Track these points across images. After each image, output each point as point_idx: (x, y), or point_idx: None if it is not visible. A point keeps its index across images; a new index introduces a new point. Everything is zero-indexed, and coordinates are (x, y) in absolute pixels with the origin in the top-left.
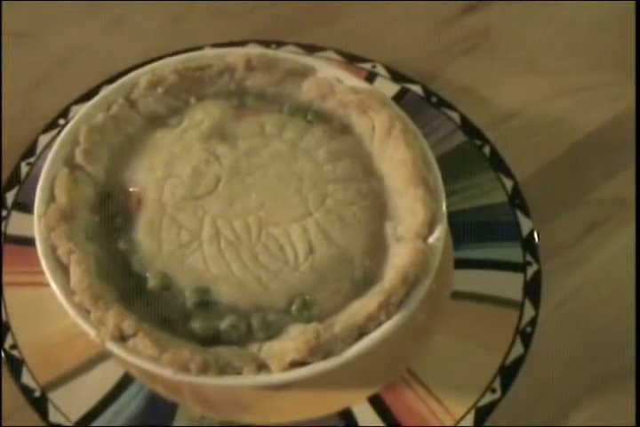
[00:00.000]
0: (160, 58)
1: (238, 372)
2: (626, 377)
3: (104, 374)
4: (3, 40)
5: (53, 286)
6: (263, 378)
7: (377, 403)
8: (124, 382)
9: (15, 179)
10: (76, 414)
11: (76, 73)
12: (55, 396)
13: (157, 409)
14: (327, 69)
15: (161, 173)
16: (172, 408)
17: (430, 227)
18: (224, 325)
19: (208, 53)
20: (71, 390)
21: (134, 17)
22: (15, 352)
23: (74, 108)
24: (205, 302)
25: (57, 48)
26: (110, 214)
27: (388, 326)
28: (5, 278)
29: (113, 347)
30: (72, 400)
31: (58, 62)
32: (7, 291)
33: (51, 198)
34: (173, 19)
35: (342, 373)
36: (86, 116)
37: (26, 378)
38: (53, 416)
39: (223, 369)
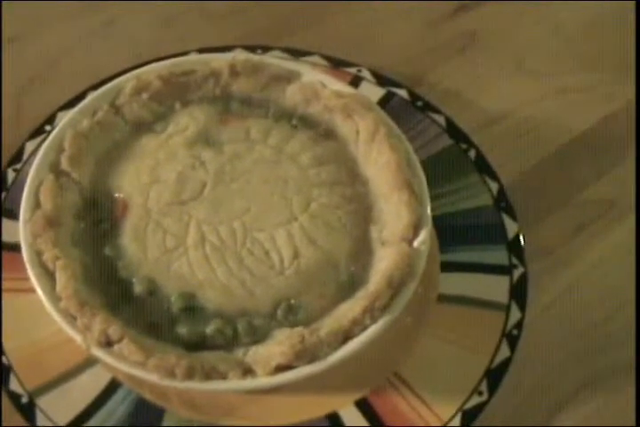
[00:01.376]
0: (147, 63)
1: (224, 376)
2: (614, 377)
3: (92, 380)
4: None
5: (39, 292)
6: (249, 383)
7: (364, 406)
8: (112, 387)
9: (1, 185)
10: (63, 419)
11: (66, 76)
12: (43, 402)
13: (145, 414)
14: (312, 74)
15: (146, 179)
16: (159, 413)
17: (415, 230)
18: (210, 330)
19: (193, 59)
20: (59, 395)
21: (124, 20)
22: (3, 358)
23: (60, 115)
24: (191, 308)
25: (46, 51)
26: (96, 220)
27: (373, 329)
28: None
29: (99, 353)
30: (60, 406)
31: (47, 66)
32: None
33: (36, 205)
34: (163, 21)
35: (329, 376)
36: (71, 122)
37: (13, 384)
38: (41, 422)
39: (209, 374)
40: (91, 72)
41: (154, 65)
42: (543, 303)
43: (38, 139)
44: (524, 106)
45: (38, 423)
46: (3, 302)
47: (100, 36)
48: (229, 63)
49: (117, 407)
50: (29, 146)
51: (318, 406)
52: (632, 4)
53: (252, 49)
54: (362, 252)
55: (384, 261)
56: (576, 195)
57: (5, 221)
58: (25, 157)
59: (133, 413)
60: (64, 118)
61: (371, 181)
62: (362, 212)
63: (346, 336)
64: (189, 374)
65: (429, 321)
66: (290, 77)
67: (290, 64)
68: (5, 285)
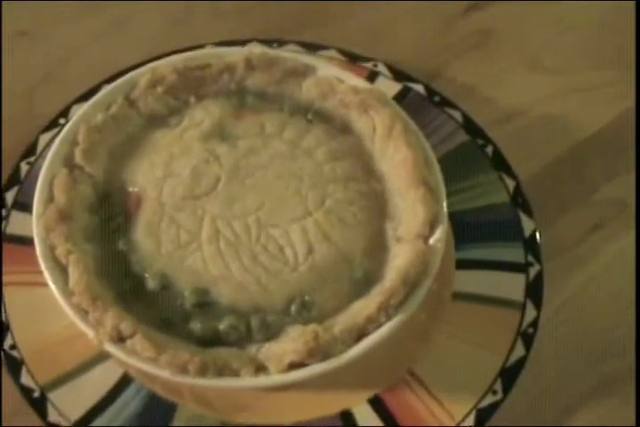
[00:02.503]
0: (161, 57)
1: (236, 373)
2: (629, 380)
3: (103, 375)
4: (4, 39)
5: (52, 286)
6: (261, 380)
7: (377, 404)
8: (124, 382)
9: (15, 178)
10: (75, 414)
11: (78, 72)
12: (54, 396)
13: (157, 409)
14: (328, 69)
15: (160, 173)
16: (171, 408)
17: (431, 228)
18: (223, 326)
19: (208, 52)
20: (70, 390)
21: (136, 17)
22: (14, 352)
23: (74, 108)
24: (204, 303)
25: (59, 47)
26: (109, 215)
27: (387, 327)
28: (5, 278)
29: (111, 348)
30: (71, 400)
31: (59, 61)
32: (7, 291)
33: (49, 199)
34: (176, 18)
35: (342, 374)
36: (85, 116)
37: (25, 378)
38: (53, 417)
39: (221, 371)
40: (103, 68)
41: (169, 58)
42: (558, 302)
43: (52, 132)
44: (540, 103)
45: (50, 418)
46: (16, 295)
47: (113, 33)
48: (245, 57)
49: (129, 402)
50: (43, 139)
51: (331, 404)
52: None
53: (267, 43)
54: (377, 248)
55: (399, 259)
56: (592, 193)
57: (19, 215)
58: (39, 150)
59: (145, 408)
60: (78, 112)
61: (386, 177)
62: (377, 208)
63: (360, 334)
64: (202, 371)
65: (444, 319)
66: (306, 72)
67: (306, 58)
68: (18, 278)
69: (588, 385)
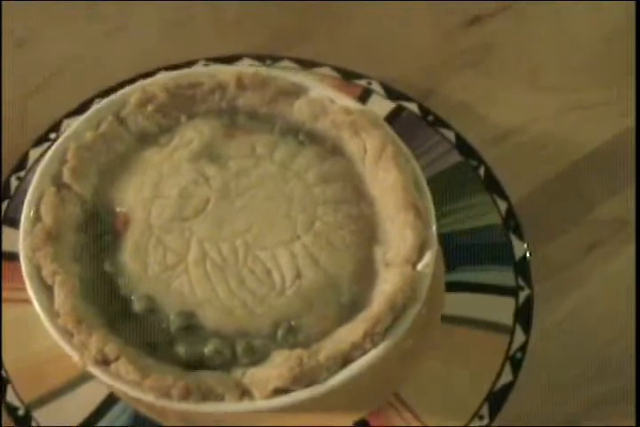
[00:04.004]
0: (154, 72)
1: (221, 398)
2: (622, 402)
3: (89, 393)
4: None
5: (37, 307)
6: (245, 405)
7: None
8: (109, 401)
9: (5, 193)
10: None
11: (72, 83)
12: (39, 414)
13: None
14: (320, 89)
15: (149, 194)
16: None
17: (420, 253)
18: (208, 349)
19: (199, 71)
20: (56, 408)
21: (132, 26)
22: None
23: (65, 122)
24: (190, 326)
25: (52, 57)
26: (97, 235)
27: (373, 354)
28: None
29: (95, 371)
30: (56, 419)
31: (52, 72)
32: None
33: (37, 217)
34: (172, 28)
35: (328, 398)
36: (75, 134)
37: (10, 396)
38: None
39: (205, 395)
40: (97, 78)
41: (160, 76)
42: (549, 325)
43: (42, 146)
44: (536, 121)
45: None
46: (2, 312)
47: (107, 42)
48: (236, 76)
49: (115, 422)
50: (33, 153)
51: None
52: None
53: (261, 59)
54: (365, 273)
55: (387, 284)
56: (588, 214)
57: (8, 230)
58: (29, 164)
59: None
60: (67, 130)
61: (377, 200)
62: (366, 232)
63: (345, 360)
64: (186, 396)
65: (433, 342)
66: (297, 92)
67: (298, 78)
68: (5, 295)
69: (577, 410)
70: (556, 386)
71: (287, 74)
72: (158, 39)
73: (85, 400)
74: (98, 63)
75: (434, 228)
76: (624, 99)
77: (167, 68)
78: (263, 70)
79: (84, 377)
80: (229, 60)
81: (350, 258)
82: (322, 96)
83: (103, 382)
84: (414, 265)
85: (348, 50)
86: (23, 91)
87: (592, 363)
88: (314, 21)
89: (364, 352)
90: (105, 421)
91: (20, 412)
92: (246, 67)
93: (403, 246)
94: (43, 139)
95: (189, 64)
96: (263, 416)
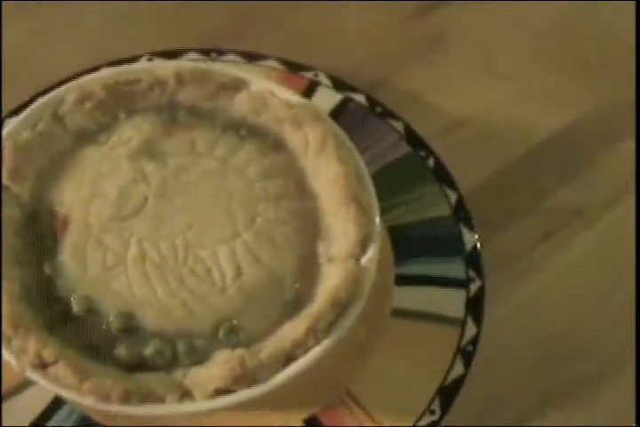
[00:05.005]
0: (92, 70)
1: (161, 400)
2: (575, 392)
3: (35, 397)
4: None
5: None
6: (186, 406)
7: (313, 425)
8: (55, 405)
9: None
10: None
11: (14, 81)
12: None
13: None
14: (261, 83)
15: (87, 193)
16: None
17: (363, 247)
18: (148, 351)
19: (138, 67)
20: (2, 413)
21: (76, 20)
22: None
23: (7, 121)
24: (130, 328)
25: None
26: (36, 237)
27: (315, 352)
28: None
29: (34, 376)
30: (3, 424)
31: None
32: None
33: None
34: (116, 23)
35: (274, 396)
36: (11, 135)
37: None
38: None
39: (145, 397)
40: (39, 77)
41: (97, 73)
42: (502, 316)
43: None
44: (488, 110)
45: None
46: None
47: (50, 39)
48: (175, 71)
49: (61, 425)
50: None
51: (265, 424)
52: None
53: (205, 52)
54: (308, 269)
55: (330, 279)
56: (540, 203)
57: None
58: None
59: None
60: (3, 131)
61: (319, 195)
62: (309, 227)
63: (288, 358)
64: (125, 398)
65: (383, 336)
66: (238, 86)
67: (239, 72)
68: None
69: (530, 401)
70: (509, 379)
71: (228, 68)
72: (103, 35)
73: (31, 404)
74: (40, 61)
75: (377, 221)
76: (577, 87)
77: (110, 64)
78: (203, 65)
79: (30, 381)
80: (174, 54)
81: (293, 254)
82: (263, 90)
83: (43, 386)
84: (357, 260)
85: (295, 41)
86: None
87: (545, 354)
88: (260, 13)
89: (307, 350)
90: (52, 424)
91: None
92: (189, 61)
93: (345, 241)
94: None
95: (133, 59)
96: (209, 416)
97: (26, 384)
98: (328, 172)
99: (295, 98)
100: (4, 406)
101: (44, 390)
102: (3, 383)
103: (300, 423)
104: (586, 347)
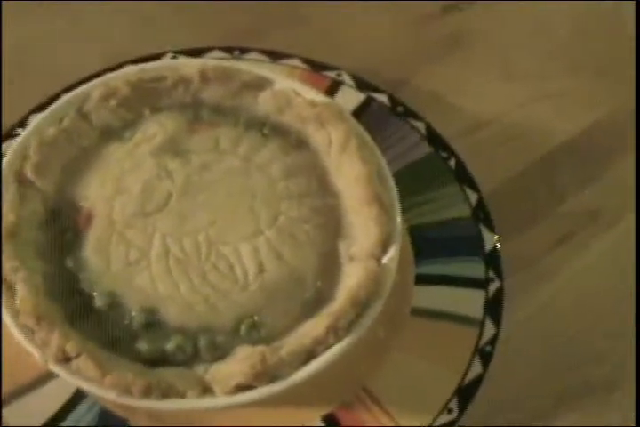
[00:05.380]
0: (118, 66)
1: (182, 395)
2: (592, 393)
3: (57, 390)
4: None
5: None
6: (206, 402)
7: (331, 421)
8: (77, 398)
9: None
10: None
11: (40, 77)
12: (7, 411)
13: (110, 425)
14: (285, 81)
15: (111, 189)
16: (124, 425)
17: (384, 247)
18: (170, 346)
19: (163, 65)
20: (23, 405)
21: (101, 19)
22: None
23: (32, 117)
24: (152, 323)
25: (20, 51)
26: (59, 231)
27: (335, 349)
28: None
29: (56, 369)
30: (24, 416)
31: (21, 66)
32: None
33: None
34: (140, 22)
35: (293, 393)
36: (37, 130)
37: None
38: None
39: (166, 392)
40: (65, 73)
41: (123, 70)
42: (520, 318)
43: (9, 143)
44: (508, 111)
45: None
46: None
47: (75, 36)
48: (199, 69)
49: (82, 418)
50: None
51: (284, 421)
52: (630, 5)
53: (229, 51)
54: (329, 267)
55: (351, 278)
56: (559, 205)
57: None
58: None
59: (98, 424)
60: (29, 126)
61: (341, 193)
62: (331, 226)
63: (308, 355)
64: (146, 392)
65: (402, 335)
66: (262, 85)
67: (263, 70)
68: None
69: (547, 402)
70: (527, 379)
71: (252, 66)
72: (125, 33)
73: (52, 397)
74: (66, 58)
75: (399, 221)
76: (596, 88)
77: (134, 62)
78: (227, 63)
79: (52, 374)
80: (198, 52)
81: (314, 252)
82: (286, 89)
83: (65, 379)
84: (378, 259)
85: (319, 40)
86: None
87: (560, 356)
88: (284, 12)
89: (328, 347)
90: (72, 418)
91: None
92: (213, 59)
93: (367, 241)
94: (9, 135)
95: (157, 57)
96: (229, 413)
97: (45, 379)
98: (350, 170)
99: (319, 97)
100: (22, 400)
101: (64, 384)
102: (19, 377)
103: (319, 420)
104: (600, 350)
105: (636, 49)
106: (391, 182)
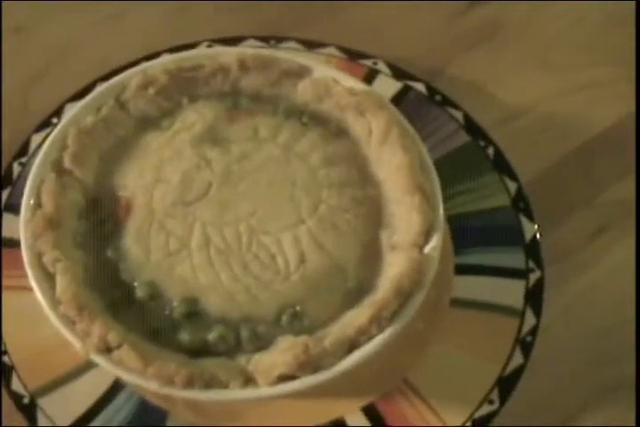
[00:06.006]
0: (155, 55)
1: (225, 385)
2: (630, 386)
3: (94, 381)
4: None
5: (38, 295)
6: (249, 392)
7: (371, 413)
8: (115, 388)
9: (7, 179)
10: (64, 421)
11: (74, 68)
12: (44, 402)
13: (148, 417)
14: (324, 70)
15: (150, 178)
16: (162, 416)
17: (427, 236)
18: (212, 336)
19: (200, 53)
20: (61, 396)
21: (134, 10)
22: (5, 358)
23: (67, 107)
24: (194, 313)
25: (55, 42)
26: (99, 221)
27: (379, 340)
28: None
29: (98, 359)
30: (61, 407)
31: (54, 57)
32: None
33: (37, 204)
34: (173, 13)
35: (334, 384)
36: (75, 119)
37: (15, 384)
38: (42, 423)
39: (209, 383)
40: (99, 63)
41: (160, 59)
42: (560, 308)
43: (44, 132)
44: (545, 101)
45: (39, 424)
46: (5, 299)
47: (109, 26)
48: (238, 58)
49: (120, 410)
50: (35, 139)
51: (324, 412)
52: None
53: (264, 40)
54: (371, 257)
55: (394, 268)
56: (598, 195)
57: (10, 217)
58: (31, 150)
59: (136, 415)
60: (67, 114)
61: (382, 183)
62: (372, 215)
63: (351, 346)
64: (189, 383)
65: (441, 326)
66: (301, 73)
67: (301, 59)
68: (8, 282)
69: (588, 393)
70: (567, 370)
71: (290, 55)
72: (160, 24)
73: (91, 388)
74: (101, 47)
75: (441, 210)
76: (633, 77)
77: (170, 51)
78: (265, 51)
79: (90, 365)
80: (233, 41)
81: (356, 242)
82: (326, 77)
83: (106, 370)
84: (421, 249)
85: (353, 30)
86: (25, 76)
87: (600, 347)
88: (320, 2)
89: (371, 338)
90: (111, 408)
91: (25, 400)
92: (249, 48)
93: (409, 230)
94: (45, 124)
95: (193, 46)
96: (270, 404)
97: (83, 369)
98: (392, 160)
99: (358, 85)
100: (60, 391)
101: (102, 375)
102: (56, 369)
103: (358, 411)
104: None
105: (636, 48)
106: (433, 171)
